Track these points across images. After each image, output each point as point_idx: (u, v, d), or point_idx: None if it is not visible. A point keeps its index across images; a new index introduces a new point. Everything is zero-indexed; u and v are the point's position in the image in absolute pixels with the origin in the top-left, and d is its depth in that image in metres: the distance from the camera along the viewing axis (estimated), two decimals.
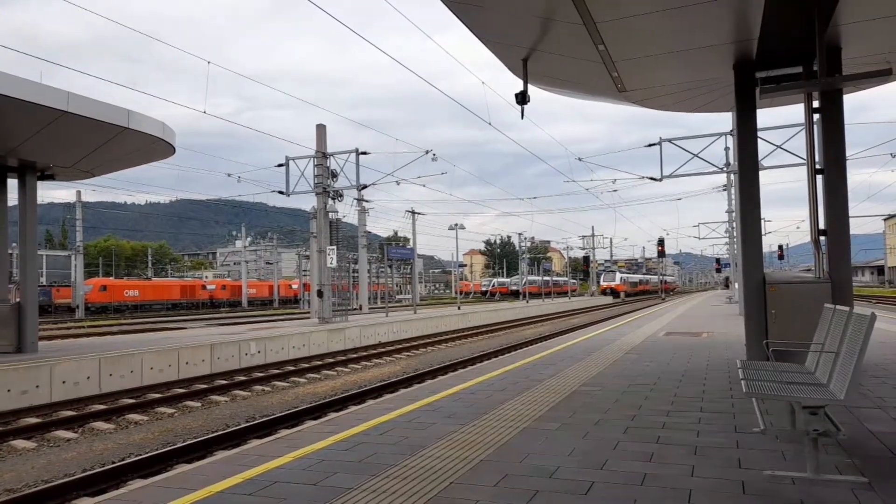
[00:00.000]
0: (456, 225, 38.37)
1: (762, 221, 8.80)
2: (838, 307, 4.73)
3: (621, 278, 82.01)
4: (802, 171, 8.63)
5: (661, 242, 49.61)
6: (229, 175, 26.86)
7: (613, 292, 75.04)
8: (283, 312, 47.63)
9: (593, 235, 69.38)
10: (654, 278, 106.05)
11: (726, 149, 23.02)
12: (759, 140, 8.76)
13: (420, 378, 13.52)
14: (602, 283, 78.17)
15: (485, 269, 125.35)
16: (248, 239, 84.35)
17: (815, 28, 6.83)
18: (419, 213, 38.33)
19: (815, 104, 8.03)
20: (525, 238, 68.83)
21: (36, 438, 9.13)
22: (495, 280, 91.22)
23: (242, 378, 14.19)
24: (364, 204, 35.56)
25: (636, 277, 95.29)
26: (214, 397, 12.20)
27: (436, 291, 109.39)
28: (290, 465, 4.65)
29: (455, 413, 6.32)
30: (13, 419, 10.10)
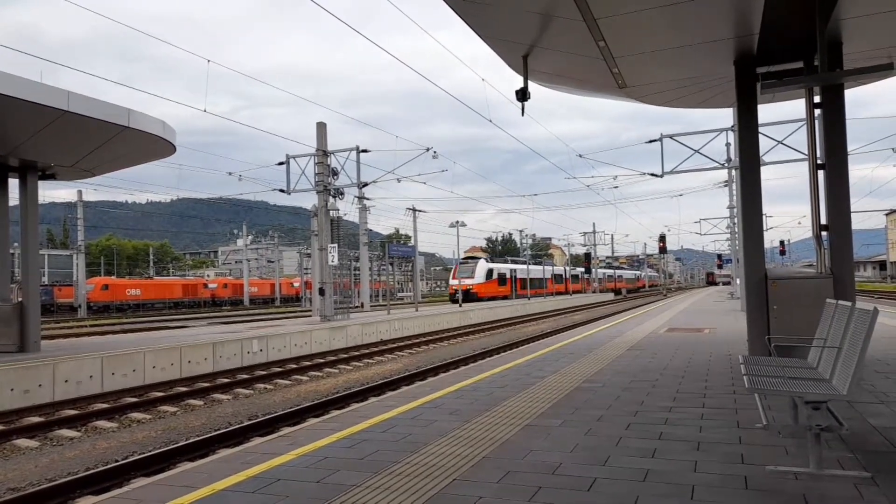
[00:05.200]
0: (457, 222, 38.42)
1: (763, 217, 8.79)
2: (840, 302, 4.73)
3: (494, 273, 47.82)
4: (804, 167, 8.62)
5: (662, 238, 49.59)
6: (230, 174, 26.87)
7: (468, 297, 41.41)
8: (284, 311, 47.68)
9: (594, 232, 69.39)
10: (606, 272, 77.90)
11: (727, 144, 23.00)
12: (760, 135, 8.74)
13: (422, 375, 13.53)
14: (452, 281, 46.71)
15: None
16: (250, 237, 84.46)
17: (815, 23, 6.81)
18: (420, 211, 38.33)
19: (817, 99, 8.01)
20: (526, 235, 68.84)
21: (39, 437, 9.15)
22: None
23: (245, 376, 14.21)
24: (365, 202, 35.54)
25: (538, 269, 57.75)
26: (217, 395, 12.22)
27: (437, 289, 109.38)
28: (292, 463, 4.65)
29: (457, 410, 6.33)
30: (16, 418, 10.12)
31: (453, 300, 44.23)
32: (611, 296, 70.33)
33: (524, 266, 55.85)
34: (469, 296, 42.13)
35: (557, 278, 61.91)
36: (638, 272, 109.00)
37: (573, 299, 53.90)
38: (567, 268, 68.30)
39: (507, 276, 50.28)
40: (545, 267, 60.14)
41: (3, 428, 9.32)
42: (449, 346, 21.08)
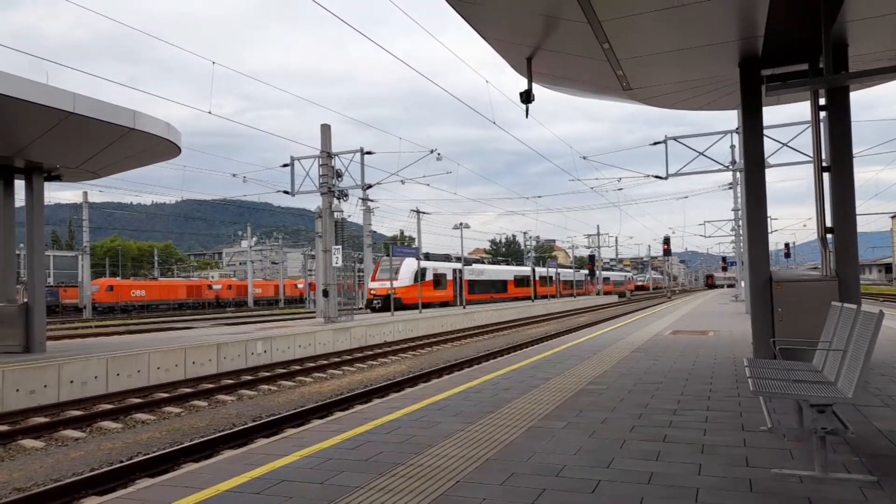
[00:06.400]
0: (461, 224, 38.31)
1: (768, 219, 8.76)
2: (846, 305, 4.71)
3: (428, 273, 38.29)
4: (809, 169, 8.60)
5: (666, 241, 49.45)
6: (234, 175, 26.90)
7: (389, 303, 30.97)
8: (288, 312, 47.73)
9: (598, 234, 69.21)
10: (550, 271, 59.18)
11: (732, 147, 22.97)
12: (764, 138, 8.73)
13: (426, 377, 13.53)
14: (372, 284, 37.23)
15: None
16: (254, 239, 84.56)
17: (820, 25, 6.80)
18: (424, 213, 38.27)
19: (822, 101, 8.00)
20: (530, 237, 68.70)
21: (44, 438, 9.18)
22: None
23: (249, 377, 14.23)
24: (369, 203, 35.61)
25: (494, 270, 49.47)
26: (221, 397, 12.24)
27: None
28: (296, 464, 4.66)
29: (461, 412, 6.32)
30: (22, 419, 10.16)
31: (371, 307, 35.04)
32: (571, 300, 66.38)
33: (475, 266, 46.20)
34: (391, 302, 31.40)
35: (521, 281, 52.33)
36: (628, 273, 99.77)
37: (577, 302, 53.74)
38: (536, 268, 58.10)
39: (449, 277, 40.45)
40: (503, 267, 51.82)
41: (9, 428, 9.35)
42: (453, 348, 21.08)
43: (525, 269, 55.39)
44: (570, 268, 67.43)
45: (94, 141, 12.25)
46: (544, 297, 54.90)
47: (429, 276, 38.39)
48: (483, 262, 47.40)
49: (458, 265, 41.24)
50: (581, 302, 53.94)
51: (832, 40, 7.05)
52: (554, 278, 60.72)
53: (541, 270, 58.48)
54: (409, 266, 36.41)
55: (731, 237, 42.95)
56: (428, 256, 40.54)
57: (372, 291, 36.60)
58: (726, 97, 9.83)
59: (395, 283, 33.30)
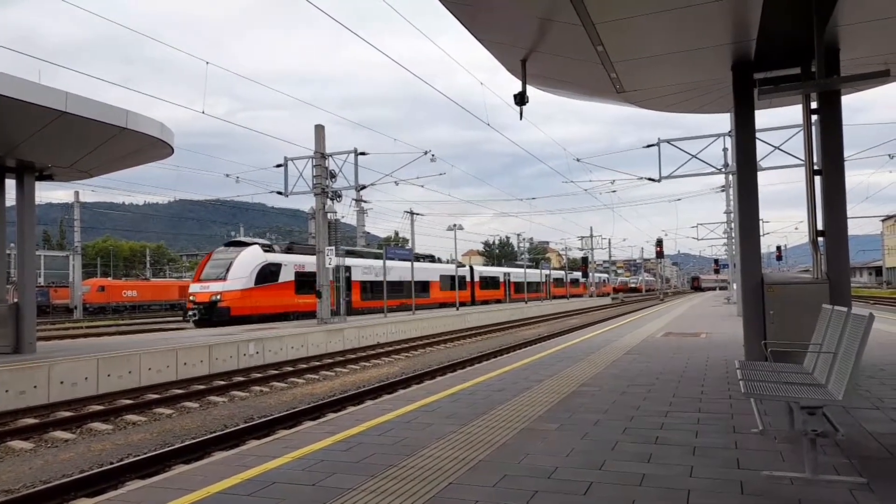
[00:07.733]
0: (454, 225, 38.31)
1: (760, 222, 8.80)
2: (836, 308, 4.74)
3: (286, 271, 27.23)
4: (801, 172, 8.64)
5: (659, 243, 49.69)
6: (228, 175, 26.80)
7: (212, 314, 24.27)
8: None
9: (591, 236, 69.43)
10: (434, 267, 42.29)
11: (725, 150, 23.08)
12: (757, 141, 8.77)
13: (418, 379, 13.52)
14: (193, 286, 26.15)
15: None
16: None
17: (813, 29, 6.84)
18: (418, 214, 38.24)
19: (814, 105, 8.04)
20: (524, 238, 68.74)
21: (34, 439, 9.12)
22: None
23: (240, 379, 14.18)
24: (363, 204, 35.53)
25: (406, 267, 32.20)
26: (212, 398, 12.19)
27: None
28: (288, 466, 4.64)
29: (453, 414, 6.32)
30: (11, 420, 10.08)
31: (189, 319, 25.44)
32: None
33: (374, 262, 32.23)
34: (214, 312, 24.16)
35: (453, 282, 40.11)
36: (604, 275, 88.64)
37: (570, 304, 53.79)
38: (475, 267, 49.52)
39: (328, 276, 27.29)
40: (423, 264, 37.43)
41: None
42: (446, 350, 21.07)
43: (459, 268, 43.99)
44: (524, 267, 56.71)
45: (87, 140, 12.19)
46: (492, 300, 46.51)
47: (285, 276, 27.07)
48: (394, 258, 33.05)
49: (342, 260, 26.84)
50: (574, 304, 53.98)
51: (824, 44, 7.09)
52: (501, 279, 51.85)
53: (483, 270, 50.65)
54: (247, 261, 26.12)
55: (724, 239, 43.14)
56: (291, 247, 30.03)
57: (191, 297, 25.71)
58: (719, 100, 9.88)
59: (224, 286, 24.97)
